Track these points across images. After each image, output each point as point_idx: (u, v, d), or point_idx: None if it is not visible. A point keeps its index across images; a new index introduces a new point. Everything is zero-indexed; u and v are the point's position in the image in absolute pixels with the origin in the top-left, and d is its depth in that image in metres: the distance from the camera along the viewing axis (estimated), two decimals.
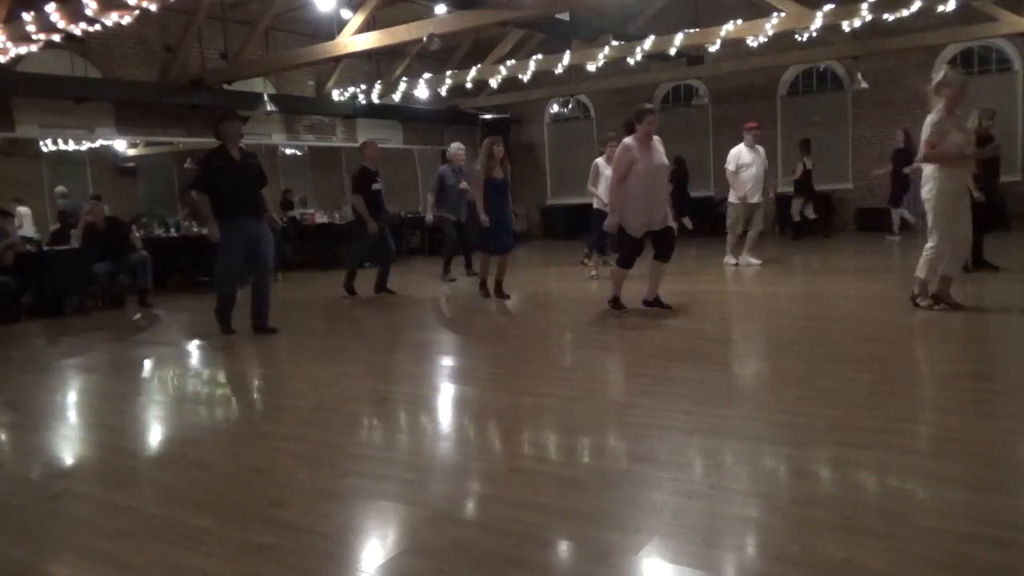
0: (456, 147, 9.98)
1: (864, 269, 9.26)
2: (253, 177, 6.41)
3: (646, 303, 6.47)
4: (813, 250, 11.07)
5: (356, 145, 15.28)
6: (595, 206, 9.08)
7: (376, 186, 8.49)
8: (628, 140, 6.15)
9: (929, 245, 5.68)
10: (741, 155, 9.21)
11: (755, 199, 9.21)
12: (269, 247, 6.49)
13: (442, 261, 9.95)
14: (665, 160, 6.35)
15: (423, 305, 7.99)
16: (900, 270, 8.85)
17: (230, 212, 6.22)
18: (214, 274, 6.70)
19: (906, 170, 11.62)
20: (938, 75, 5.63)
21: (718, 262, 9.90)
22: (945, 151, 5.47)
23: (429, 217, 9.69)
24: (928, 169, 5.63)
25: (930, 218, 5.69)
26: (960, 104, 5.60)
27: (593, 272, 9.20)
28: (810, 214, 12.91)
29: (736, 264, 9.34)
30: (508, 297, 7.76)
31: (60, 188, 12.17)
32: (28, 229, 11.10)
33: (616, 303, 6.51)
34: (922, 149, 5.55)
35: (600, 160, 9.02)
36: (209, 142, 13.42)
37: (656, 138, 6.22)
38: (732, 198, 9.32)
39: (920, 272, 5.80)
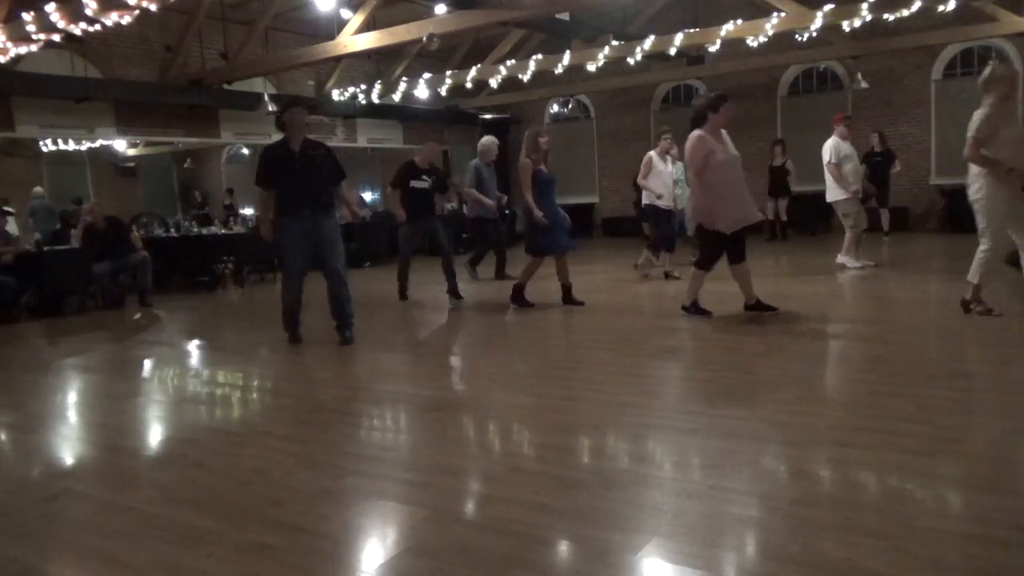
0: (490, 140, 9.53)
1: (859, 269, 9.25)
2: (317, 170, 5.82)
3: (747, 307, 6.07)
4: (807, 251, 11.07)
5: (356, 145, 15.37)
6: (646, 202, 8.73)
7: (417, 184, 8.00)
8: (701, 132, 5.73)
9: (982, 248, 5.38)
10: (840, 147, 8.33)
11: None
12: (333, 247, 5.87)
13: (471, 256, 9.73)
14: (737, 152, 5.95)
15: (423, 305, 7.99)
16: (897, 270, 8.85)
17: (288, 208, 5.77)
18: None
19: (894, 170, 11.70)
20: (986, 71, 5.36)
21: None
22: (989, 159, 5.16)
23: (468, 212, 9.04)
24: (975, 168, 5.31)
25: (982, 220, 5.37)
26: (1012, 98, 5.38)
27: (674, 271, 8.56)
28: (782, 215, 12.90)
29: (861, 267, 8.55)
30: (582, 303, 7.02)
31: (37, 189, 12.19)
32: (11, 228, 11.11)
33: (697, 308, 6.08)
34: (968, 147, 5.33)
35: (653, 153, 8.62)
36: (209, 142, 13.47)
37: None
38: (839, 195, 8.37)
39: (974, 277, 5.46)
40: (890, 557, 2.16)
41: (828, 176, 8.41)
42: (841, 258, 8.76)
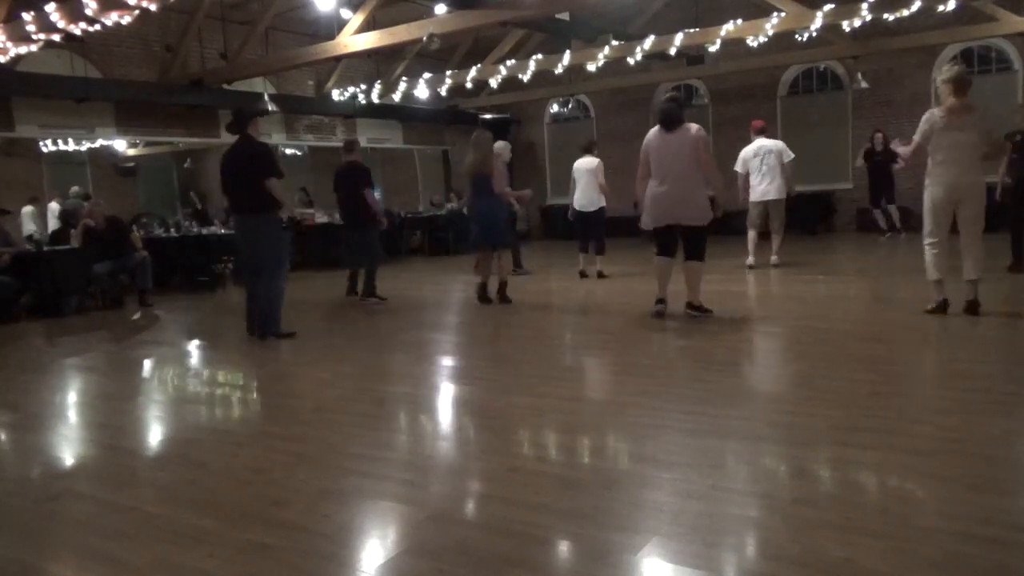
0: (504, 145, 9.57)
1: (862, 269, 9.26)
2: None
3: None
4: (808, 251, 11.07)
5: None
6: (601, 204, 9.00)
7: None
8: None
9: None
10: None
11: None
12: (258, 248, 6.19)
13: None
14: None
15: (422, 306, 7.99)
16: (898, 270, 8.86)
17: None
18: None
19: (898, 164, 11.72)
20: (967, 72, 5.44)
21: (718, 263, 9.88)
22: None
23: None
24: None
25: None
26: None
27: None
28: None
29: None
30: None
31: (75, 188, 12.22)
32: (28, 226, 11.12)
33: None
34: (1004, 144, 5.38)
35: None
36: (209, 142, 13.45)
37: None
38: (784, 194, 8.98)
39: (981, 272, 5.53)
40: (890, 557, 2.16)
41: (780, 174, 8.77)
42: (776, 258, 8.99)
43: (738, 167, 9.01)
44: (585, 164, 9.00)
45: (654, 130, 6.00)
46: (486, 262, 7.49)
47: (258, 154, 6.10)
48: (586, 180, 8.96)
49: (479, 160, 7.33)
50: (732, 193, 8.50)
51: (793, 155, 8.90)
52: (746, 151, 8.96)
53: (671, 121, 5.88)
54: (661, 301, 6.14)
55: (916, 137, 5.43)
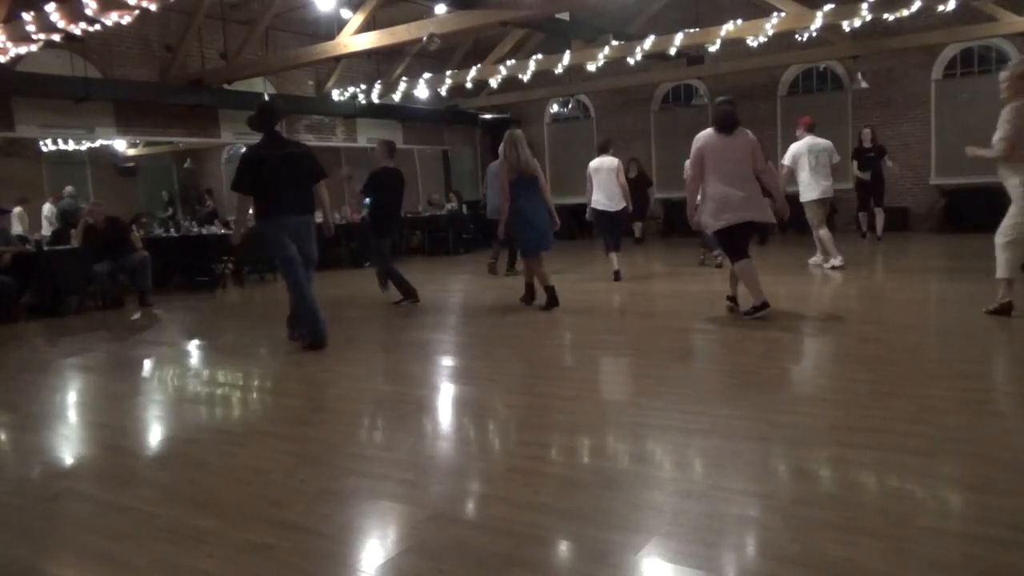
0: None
1: (861, 269, 9.25)
2: None
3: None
4: (809, 251, 11.06)
5: (356, 145, 15.37)
6: (625, 204, 8.91)
7: None
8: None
9: None
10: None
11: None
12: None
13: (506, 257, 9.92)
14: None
15: (422, 306, 7.98)
16: (898, 270, 8.86)
17: None
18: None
19: (890, 163, 11.66)
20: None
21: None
22: None
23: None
24: None
25: None
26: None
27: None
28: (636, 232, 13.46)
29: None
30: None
31: (69, 188, 12.24)
32: (16, 228, 11.12)
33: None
34: None
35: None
36: (209, 142, 13.45)
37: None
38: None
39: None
40: (890, 557, 2.16)
41: (828, 172, 8.70)
42: (837, 261, 8.79)
43: (787, 161, 8.88)
44: (607, 164, 8.78)
45: (708, 132, 5.95)
46: (539, 264, 7.14)
47: (310, 155, 5.96)
48: (607, 180, 8.75)
49: (524, 160, 6.84)
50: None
51: (839, 156, 8.88)
52: (798, 147, 8.80)
53: (731, 124, 5.86)
54: (765, 304, 5.83)
55: (1008, 129, 5.23)
